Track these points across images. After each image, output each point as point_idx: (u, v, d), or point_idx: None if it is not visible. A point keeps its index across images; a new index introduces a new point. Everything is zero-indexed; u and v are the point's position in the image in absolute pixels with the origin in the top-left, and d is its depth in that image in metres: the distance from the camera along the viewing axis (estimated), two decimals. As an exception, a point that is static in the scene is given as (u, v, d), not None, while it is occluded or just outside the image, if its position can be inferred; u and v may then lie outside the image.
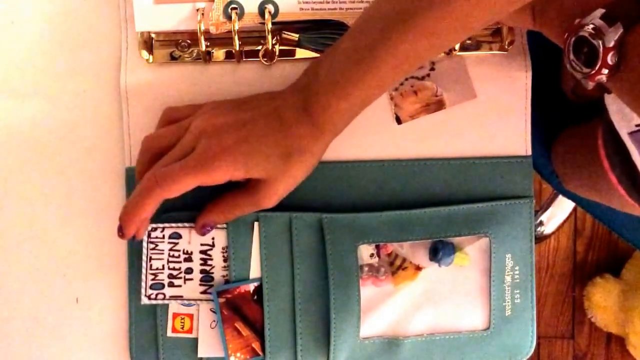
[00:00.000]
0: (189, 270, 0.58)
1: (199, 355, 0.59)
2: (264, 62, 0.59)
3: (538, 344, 1.16)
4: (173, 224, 0.58)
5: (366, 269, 0.60)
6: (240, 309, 0.58)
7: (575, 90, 0.70)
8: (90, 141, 0.60)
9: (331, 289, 0.59)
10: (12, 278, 0.60)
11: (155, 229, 0.58)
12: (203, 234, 0.56)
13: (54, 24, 0.60)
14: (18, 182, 0.60)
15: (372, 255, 0.60)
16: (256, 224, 0.58)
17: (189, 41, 0.59)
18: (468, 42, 0.60)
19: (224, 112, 0.52)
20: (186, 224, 0.58)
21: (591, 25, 0.46)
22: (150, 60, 0.59)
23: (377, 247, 0.60)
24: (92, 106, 0.60)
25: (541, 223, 1.15)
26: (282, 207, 0.57)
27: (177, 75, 0.59)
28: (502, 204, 0.60)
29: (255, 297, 0.58)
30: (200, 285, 0.58)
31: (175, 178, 0.49)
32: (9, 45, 0.60)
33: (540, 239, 1.20)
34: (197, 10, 0.57)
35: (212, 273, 0.58)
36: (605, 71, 0.46)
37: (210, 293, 0.58)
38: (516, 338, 0.61)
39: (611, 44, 0.45)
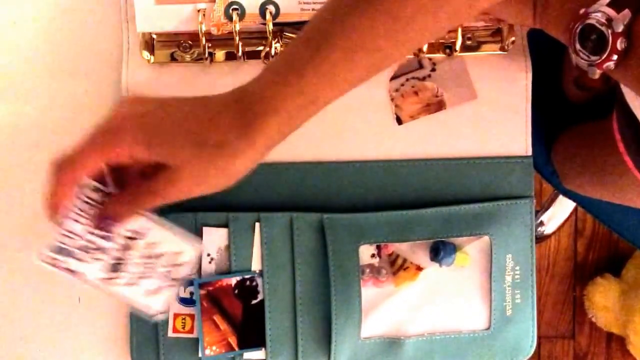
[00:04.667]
0: (103, 250, 0.49)
1: (200, 356, 0.59)
2: (265, 63, 0.59)
3: (538, 344, 1.16)
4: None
5: (367, 270, 0.60)
6: (220, 302, 0.58)
7: (578, 81, 0.70)
8: (92, 141, 0.60)
9: (332, 289, 0.59)
10: (14, 278, 0.60)
11: (96, 189, 0.48)
12: (101, 228, 0.48)
13: (56, 24, 0.60)
14: (19, 181, 0.60)
15: (373, 255, 0.60)
16: (257, 224, 0.58)
17: (190, 42, 0.59)
18: (469, 42, 0.60)
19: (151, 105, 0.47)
20: None
21: (599, 13, 0.47)
22: (152, 60, 0.59)
23: (378, 247, 0.60)
24: (93, 106, 0.60)
25: (542, 223, 1.15)
26: (282, 207, 0.57)
27: (178, 76, 0.60)
28: (502, 204, 0.60)
29: (237, 291, 0.58)
30: (104, 271, 0.50)
31: (78, 157, 0.46)
32: (11, 46, 0.60)
33: (540, 239, 1.20)
34: (198, 11, 0.57)
35: (123, 264, 0.50)
36: (615, 57, 0.47)
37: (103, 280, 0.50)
38: (517, 338, 0.61)
39: (620, 29, 0.46)
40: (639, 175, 0.61)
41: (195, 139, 0.45)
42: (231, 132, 0.45)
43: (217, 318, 0.58)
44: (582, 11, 0.49)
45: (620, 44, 0.47)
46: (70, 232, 0.48)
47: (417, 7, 0.45)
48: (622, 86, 0.57)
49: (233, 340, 0.58)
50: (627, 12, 0.46)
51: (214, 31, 0.57)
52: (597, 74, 0.49)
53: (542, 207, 1.14)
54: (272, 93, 0.46)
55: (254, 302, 0.59)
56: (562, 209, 1.13)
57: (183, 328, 0.59)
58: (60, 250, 0.48)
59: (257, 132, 0.45)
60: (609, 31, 0.47)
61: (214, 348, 0.58)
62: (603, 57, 0.47)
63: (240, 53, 0.58)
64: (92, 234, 0.49)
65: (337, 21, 0.46)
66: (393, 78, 0.60)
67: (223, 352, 0.58)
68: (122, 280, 0.50)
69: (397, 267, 0.60)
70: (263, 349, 0.59)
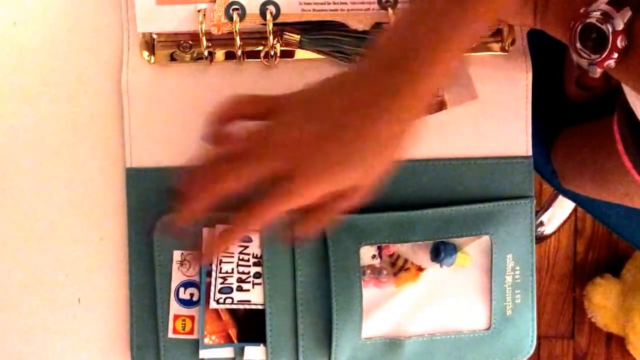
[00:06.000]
0: (258, 275, 0.58)
1: (200, 357, 0.59)
2: (265, 63, 0.59)
3: (538, 344, 1.16)
4: None
5: (368, 271, 0.60)
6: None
7: (580, 80, 0.70)
8: (91, 141, 0.60)
9: (333, 290, 0.59)
10: (14, 278, 0.60)
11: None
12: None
13: (56, 24, 0.60)
14: (19, 181, 0.60)
15: (374, 256, 0.60)
16: (258, 224, 0.58)
17: (190, 42, 0.59)
18: (469, 42, 0.60)
19: (306, 118, 0.46)
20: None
21: (599, 11, 0.47)
22: (152, 60, 0.59)
23: (379, 248, 0.60)
24: (93, 106, 0.60)
25: (541, 223, 1.15)
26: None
27: (178, 76, 0.60)
28: (503, 204, 0.60)
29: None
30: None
31: (270, 209, 0.46)
32: (11, 46, 0.60)
33: (540, 239, 1.20)
34: (199, 11, 0.57)
35: None
36: (615, 55, 0.47)
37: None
38: (517, 338, 0.61)
39: (620, 27, 0.46)
40: (637, 176, 0.62)
41: (377, 150, 0.46)
42: (403, 122, 0.46)
43: (221, 308, 0.58)
44: (582, 10, 0.49)
45: (620, 42, 0.47)
46: (225, 272, 0.56)
47: None
48: (623, 85, 0.57)
49: (233, 333, 0.58)
50: (627, 10, 0.46)
51: (214, 31, 0.57)
52: (598, 72, 0.49)
53: (542, 207, 1.15)
54: (445, 44, 0.44)
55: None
56: (562, 209, 1.13)
57: (183, 329, 0.59)
58: (224, 290, 0.56)
59: (420, 101, 0.46)
60: (610, 29, 0.47)
61: (213, 337, 0.58)
62: (604, 56, 0.48)
63: (240, 53, 0.58)
64: (241, 266, 0.57)
65: None
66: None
67: (222, 342, 0.58)
68: None
69: (398, 267, 0.60)
70: (263, 346, 0.59)
